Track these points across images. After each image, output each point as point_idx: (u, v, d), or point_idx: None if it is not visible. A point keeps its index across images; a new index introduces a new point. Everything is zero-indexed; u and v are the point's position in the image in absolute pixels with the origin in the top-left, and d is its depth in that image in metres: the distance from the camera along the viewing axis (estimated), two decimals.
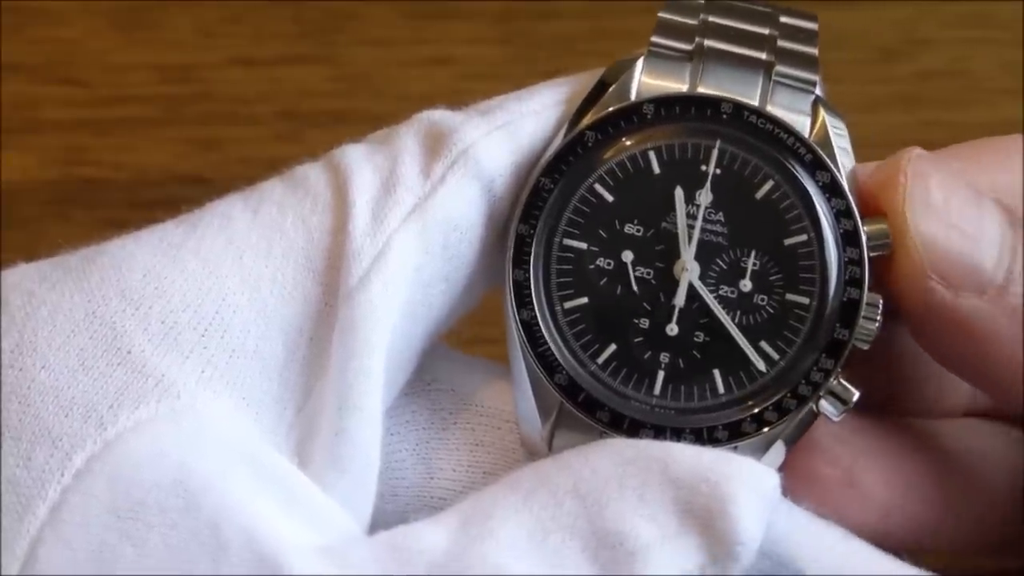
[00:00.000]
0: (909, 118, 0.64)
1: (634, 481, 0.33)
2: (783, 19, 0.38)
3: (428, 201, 0.36)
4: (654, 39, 0.38)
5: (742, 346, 0.36)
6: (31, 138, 0.67)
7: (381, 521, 0.36)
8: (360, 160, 0.37)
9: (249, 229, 0.36)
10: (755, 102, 0.37)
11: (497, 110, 0.38)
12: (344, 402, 0.35)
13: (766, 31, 0.38)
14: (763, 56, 0.38)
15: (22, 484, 0.32)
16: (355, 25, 0.69)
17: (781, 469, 0.36)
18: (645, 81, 0.37)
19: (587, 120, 0.37)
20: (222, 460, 0.33)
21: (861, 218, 0.36)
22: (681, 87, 0.37)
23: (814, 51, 0.38)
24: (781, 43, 0.38)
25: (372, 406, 0.35)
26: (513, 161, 0.37)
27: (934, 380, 0.41)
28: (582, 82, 0.38)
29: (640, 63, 0.38)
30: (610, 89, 0.37)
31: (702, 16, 0.38)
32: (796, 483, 0.37)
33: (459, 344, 0.41)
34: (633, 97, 0.37)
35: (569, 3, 0.67)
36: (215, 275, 0.35)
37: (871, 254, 0.36)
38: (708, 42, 0.38)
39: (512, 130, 0.37)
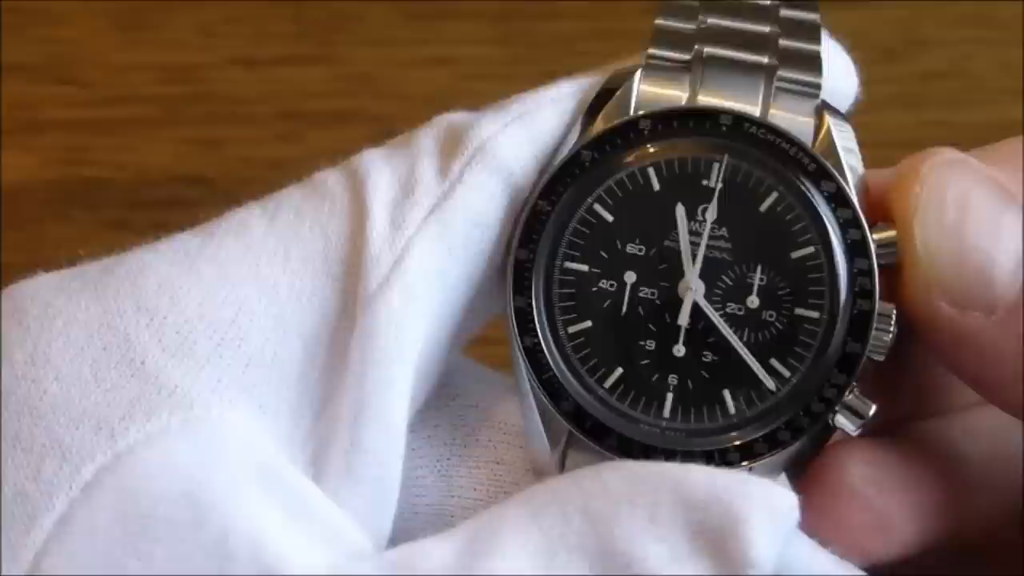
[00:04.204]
0: (909, 118, 0.64)
1: (645, 500, 0.32)
2: (784, 12, 0.37)
3: (447, 200, 0.35)
4: (651, 51, 0.37)
5: (751, 365, 0.35)
6: (31, 138, 0.67)
7: (403, 539, 0.35)
8: (378, 163, 0.36)
9: (266, 235, 0.35)
10: (757, 109, 0.36)
11: (513, 103, 0.37)
12: (360, 412, 0.34)
13: (767, 29, 0.37)
14: (764, 60, 0.37)
15: (30, 496, 0.32)
16: (355, 25, 0.69)
17: (799, 492, 0.34)
18: (644, 90, 0.37)
19: (587, 135, 0.36)
20: (233, 472, 0.33)
21: (871, 226, 0.35)
22: (681, 95, 0.36)
23: (817, 48, 0.37)
24: (783, 42, 0.37)
25: (390, 417, 0.34)
26: (532, 151, 0.36)
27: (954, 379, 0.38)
28: (597, 76, 0.37)
29: (638, 75, 0.37)
30: (612, 99, 0.36)
31: (700, 18, 0.37)
32: (828, 528, 0.35)
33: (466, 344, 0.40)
34: (632, 108, 0.36)
35: (569, 3, 0.67)
36: (231, 283, 0.35)
37: (882, 263, 0.35)
38: (708, 49, 0.37)
39: (529, 120, 0.36)
